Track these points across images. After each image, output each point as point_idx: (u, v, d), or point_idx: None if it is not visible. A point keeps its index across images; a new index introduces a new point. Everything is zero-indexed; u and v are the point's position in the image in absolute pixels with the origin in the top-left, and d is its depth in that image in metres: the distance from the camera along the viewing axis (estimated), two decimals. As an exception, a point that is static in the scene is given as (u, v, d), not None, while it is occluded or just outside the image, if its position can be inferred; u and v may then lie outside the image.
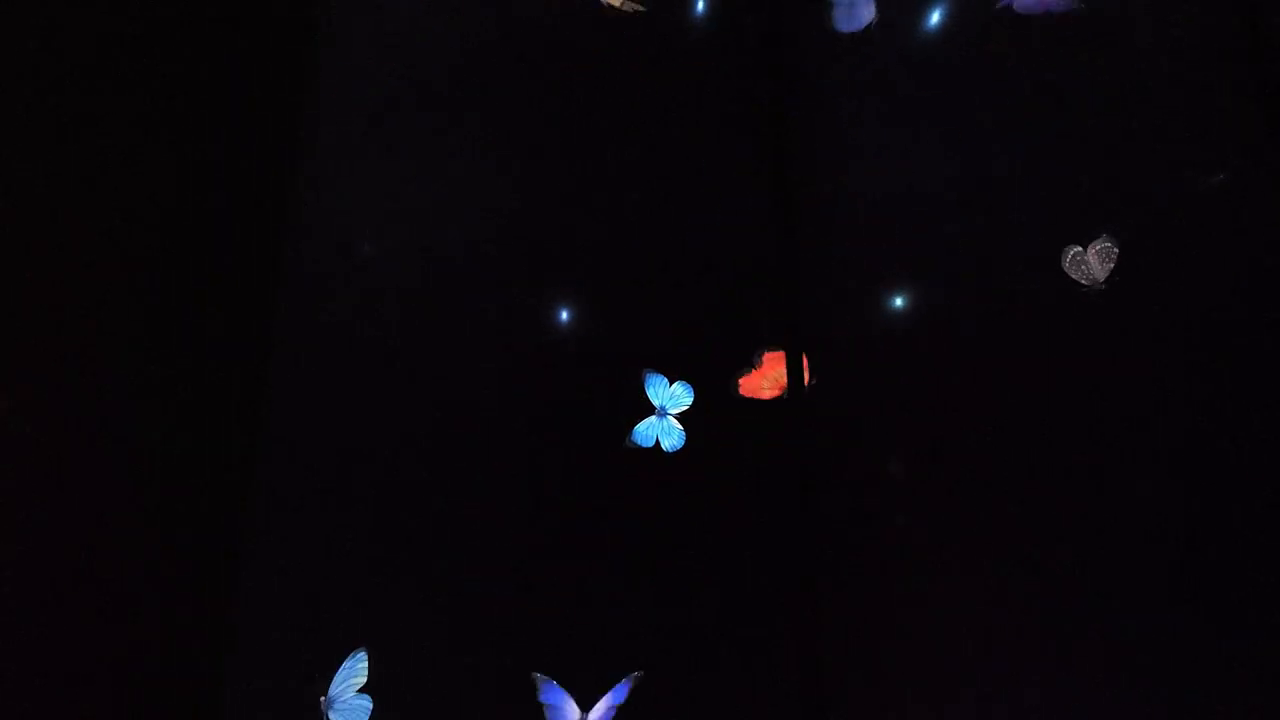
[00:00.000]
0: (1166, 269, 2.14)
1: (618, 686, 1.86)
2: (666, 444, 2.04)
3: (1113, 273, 2.11)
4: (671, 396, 2.05)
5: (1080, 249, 2.12)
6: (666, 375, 2.10)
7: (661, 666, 1.94)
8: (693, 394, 2.06)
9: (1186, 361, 2.08)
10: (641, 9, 2.12)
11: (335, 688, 1.85)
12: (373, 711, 1.85)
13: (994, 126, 2.29)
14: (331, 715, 1.83)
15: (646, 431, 2.05)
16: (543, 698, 1.84)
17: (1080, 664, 1.91)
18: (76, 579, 1.80)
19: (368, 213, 2.22)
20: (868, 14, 2.28)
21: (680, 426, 2.05)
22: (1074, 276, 2.12)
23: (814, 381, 2.08)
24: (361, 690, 1.84)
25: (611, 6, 2.13)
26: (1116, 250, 2.11)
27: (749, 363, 2.10)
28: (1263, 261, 2.14)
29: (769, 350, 2.10)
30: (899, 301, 2.20)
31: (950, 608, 1.98)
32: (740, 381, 2.08)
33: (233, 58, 2.12)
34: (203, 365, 2.02)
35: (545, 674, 1.87)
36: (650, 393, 2.06)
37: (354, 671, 1.85)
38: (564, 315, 2.15)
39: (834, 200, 2.33)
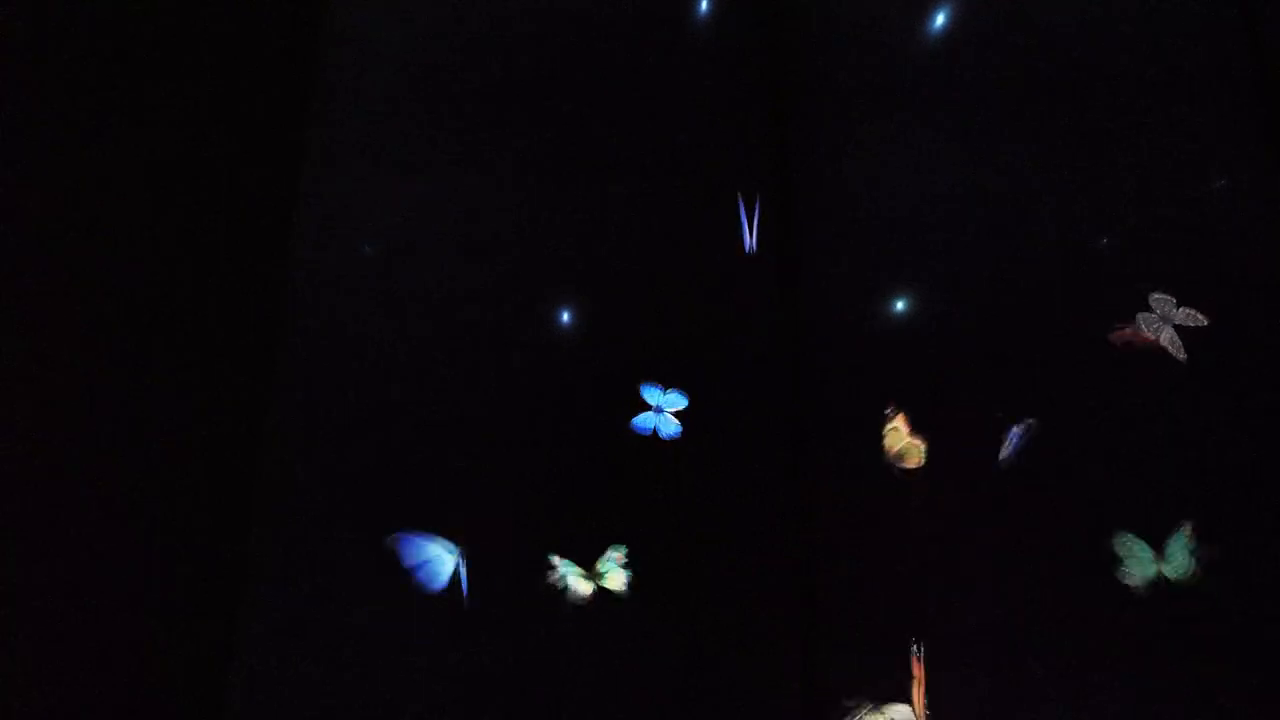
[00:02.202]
0: (1168, 270, 2.14)
1: None
2: (664, 432, 2.08)
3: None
4: (667, 399, 2.09)
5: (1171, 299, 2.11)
6: (662, 373, 2.11)
7: (657, 665, 1.96)
8: (687, 399, 2.09)
9: (1188, 362, 2.09)
10: None
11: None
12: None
13: (995, 126, 2.29)
14: None
15: (644, 423, 2.08)
16: None
17: (1080, 664, 1.92)
18: (75, 582, 1.79)
19: (369, 214, 2.20)
20: None
21: (677, 421, 2.08)
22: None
23: None
24: None
25: None
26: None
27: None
28: (1264, 263, 2.16)
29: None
30: (900, 304, 2.20)
31: (949, 607, 1.99)
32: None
33: (234, 57, 2.10)
34: (203, 366, 2.01)
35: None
36: (646, 397, 2.09)
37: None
38: (565, 316, 2.14)
39: (834, 200, 2.33)
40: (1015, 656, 1.94)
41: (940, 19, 2.37)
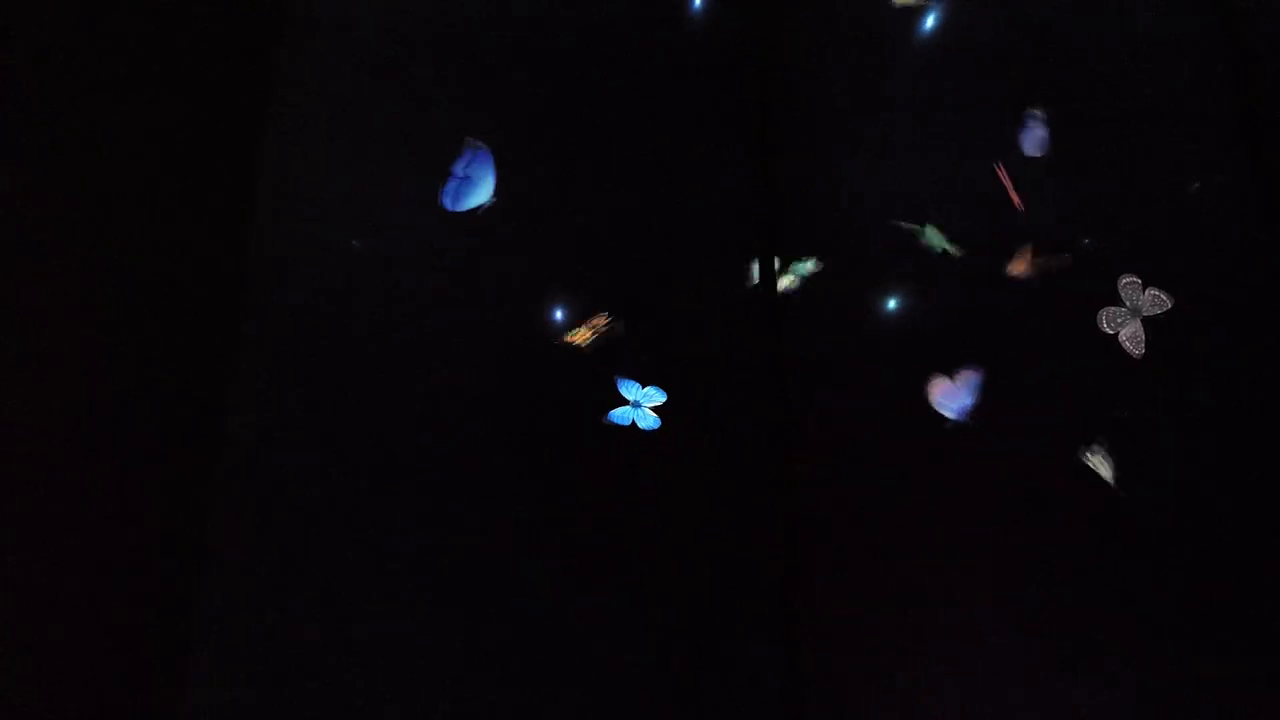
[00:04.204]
0: (1161, 271, 2.13)
1: None
2: (643, 425, 2.05)
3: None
4: (645, 394, 2.06)
5: (1137, 281, 2.11)
6: (649, 370, 2.08)
7: (641, 666, 1.92)
8: (665, 395, 2.06)
9: (1181, 363, 2.09)
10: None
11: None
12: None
13: (990, 125, 2.27)
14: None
15: (622, 415, 2.05)
16: None
17: (1073, 665, 1.91)
18: (34, 573, 1.75)
19: (348, 205, 2.15)
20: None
21: (655, 415, 2.05)
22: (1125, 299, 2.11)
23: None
24: None
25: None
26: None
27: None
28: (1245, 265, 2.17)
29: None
30: (891, 303, 2.18)
31: (940, 607, 1.96)
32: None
33: (196, 37, 2.07)
34: (172, 356, 1.97)
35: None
36: (624, 391, 2.05)
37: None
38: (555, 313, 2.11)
39: (825, 199, 2.31)
40: (1010, 656, 1.92)
41: (938, 20, 2.36)
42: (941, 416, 2.07)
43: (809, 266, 2.11)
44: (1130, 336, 2.08)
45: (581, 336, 2.03)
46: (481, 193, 2.10)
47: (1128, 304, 2.10)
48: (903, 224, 2.10)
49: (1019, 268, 2.11)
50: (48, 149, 1.84)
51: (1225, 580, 1.95)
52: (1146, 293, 2.10)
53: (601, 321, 2.02)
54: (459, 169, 2.10)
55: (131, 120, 1.95)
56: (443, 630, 1.91)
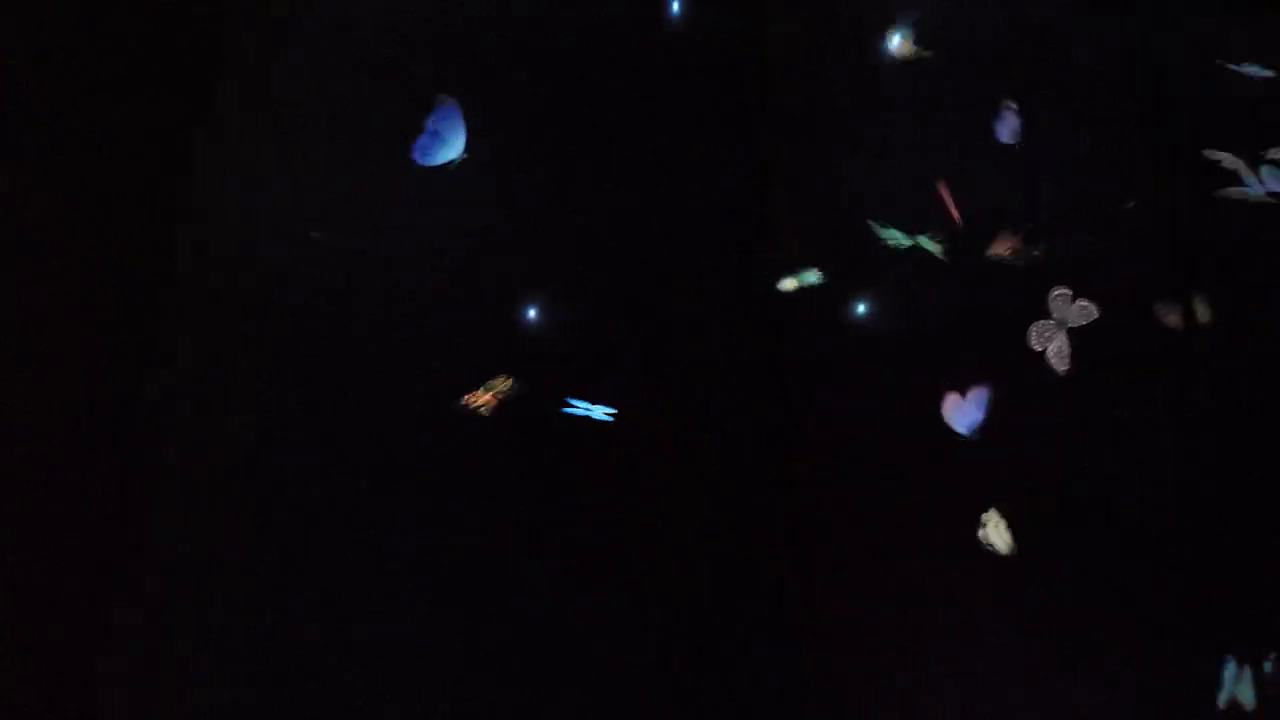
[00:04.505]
0: (1160, 271, 2.16)
1: None
2: (596, 417, 2.03)
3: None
4: (596, 408, 2.05)
5: (1068, 292, 2.11)
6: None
7: (641, 666, 1.91)
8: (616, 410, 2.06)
9: (1181, 363, 2.10)
10: None
11: None
12: None
13: (989, 125, 2.27)
14: None
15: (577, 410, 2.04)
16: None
17: (1073, 665, 1.91)
18: (34, 573, 1.74)
19: (348, 205, 2.14)
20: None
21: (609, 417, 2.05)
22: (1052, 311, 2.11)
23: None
24: None
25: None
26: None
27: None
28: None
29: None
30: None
31: (940, 607, 1.96)
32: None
33: (196, 37, 2.06)
34: (171, 355, 1.96)
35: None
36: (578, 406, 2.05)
37: None
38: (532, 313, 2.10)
39: (824, 199, 2.30)
40: (1010, 656, 1.93)
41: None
42: (942, 417, 2.07)
43: (813, 277, 2.10)
44: (1056, 352, 2.07)
45: (483, 400, 2.00)
46: (452, 148, 2.09)
47: (1056, 316, 2.09)
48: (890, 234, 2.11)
49: (1001, 249, 2.10)
50: (47, 149, 1.83)
51: (1225, 580, 1.95)
52: (1075, 304, 2.09)
53: (502, 384, 2.00)
54: (430, 124, 2.09)
55: (131, 120, 1.95)
56: (443, 630, 1.90)
